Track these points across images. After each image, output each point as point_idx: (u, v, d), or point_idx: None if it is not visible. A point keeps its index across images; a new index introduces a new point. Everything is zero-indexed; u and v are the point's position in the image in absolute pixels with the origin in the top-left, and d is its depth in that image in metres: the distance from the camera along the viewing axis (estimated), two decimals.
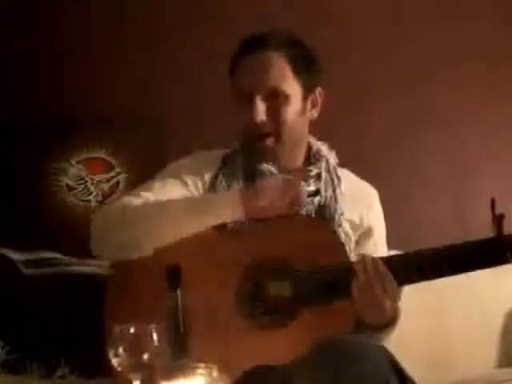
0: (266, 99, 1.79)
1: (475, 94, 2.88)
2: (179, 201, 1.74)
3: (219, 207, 1.70)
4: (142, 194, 1.78)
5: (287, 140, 1.82)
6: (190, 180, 1.82)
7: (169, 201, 1.74)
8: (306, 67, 1.83)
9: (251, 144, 1.83)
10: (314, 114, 1.88)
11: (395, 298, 1.64)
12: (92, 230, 1.76)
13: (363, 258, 1.65)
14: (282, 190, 1.70)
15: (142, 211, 1.72)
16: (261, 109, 1.78)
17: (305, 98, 1.84)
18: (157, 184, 1.81)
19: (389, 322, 1.68)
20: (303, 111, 1.84)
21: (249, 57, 1.81)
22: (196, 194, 1.82)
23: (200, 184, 1.83)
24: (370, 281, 1.61)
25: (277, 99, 1.79)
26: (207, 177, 1.83)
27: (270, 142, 1.81)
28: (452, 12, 2.89)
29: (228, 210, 1.70)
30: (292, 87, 1.81)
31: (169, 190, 1.79)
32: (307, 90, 1.84)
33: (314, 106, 1.87)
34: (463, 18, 2.90)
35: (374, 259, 1.64)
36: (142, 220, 1.70)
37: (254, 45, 1.81)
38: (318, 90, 1.87)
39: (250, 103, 1.79)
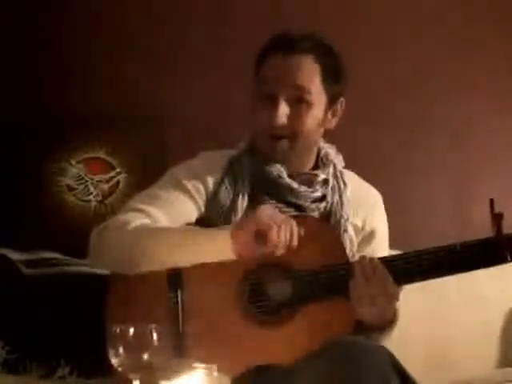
0: (289, 102, 1.76)
1: (475, 95, 2.88)
2: (174, 233, 1.68)
3: (210, 250, 1.63)
4: (146, 209, 1.74)
5: (300, 146, 1.80)
6: (191, 186, 1.79)
7: (165, 232, 1.69)
8: (335, 78, 1.80)
9: (264, 144, 1.80)
10: (333, 123, 1.86)
11: (394, 299, 1.63)
12: (90, 244, 1.74)
13: (362, 259, 1.65)
14: (275, 231, 1.56)
15: (139, 237, 1.66)
16: (283, 111, 1.75)
17: (327, 108, 1.82)
18: (161, 195, 1.77)
19: (387, 322, 1.68)
20: (323, 121, 1.82)
21: (280, 56, 1.77)
22: (199, 200, 1.78)
23: (202, 189, 1.80)
24: (368, 281, 1.61)
25: (300, 104, 1.76)
26: (210, 181, 1.80)
27: (284, 144, 1.78)
28: (452, 13, 2.89)
29: (218, 253, 1.62)
30: (318, 96, 1.78)
31: (174, 202, 1.76)
32: (331, 101, 1.81)
33: (333, 115, 1.85)
34: (462, 17, 2.90)
35: (372, 259, 1.64)
36: (136, 247, 1.65)
37: (288, 45, 1.77)
38: (341, 101, 1.85)
39: (273, 103, 1.76)
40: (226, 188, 1.79)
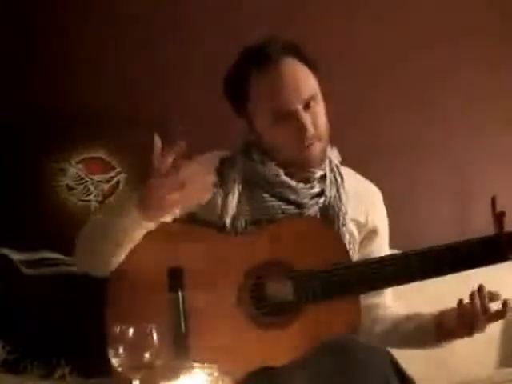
0: (305, 110, 1.77)
1: (476, 94, 2.88)
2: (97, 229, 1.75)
3: (127, 232, 1.66)
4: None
5: (326, 141, 1.83)
6: None
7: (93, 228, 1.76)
8: (315, 67, 1.83)
9: (298, 155, 1.79)
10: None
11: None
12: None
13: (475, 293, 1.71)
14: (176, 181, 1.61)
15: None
16: (308, 121, 1.76)
17: (322, 96, 1.84)
18: None
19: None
20: (325, 109, 1.84)
21: (267, 70, 1.77)
22: None
23: None
24: (475, 313, 1.72)
25: (313, 107, 1.78)
26: None
27: (317, 147, 1.79)
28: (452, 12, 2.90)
29: (136, 229, 1.66)
30: (318, 90, 1.81)
31: None
32: (320, 88, 1.84)
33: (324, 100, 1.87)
34: (464, 19, 2.90)
35: (481, 289, 1.71)
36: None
37: (266, 57, 1.77)
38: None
39: (294, 119, 1.76)
40: (218, 191, 1.80)
